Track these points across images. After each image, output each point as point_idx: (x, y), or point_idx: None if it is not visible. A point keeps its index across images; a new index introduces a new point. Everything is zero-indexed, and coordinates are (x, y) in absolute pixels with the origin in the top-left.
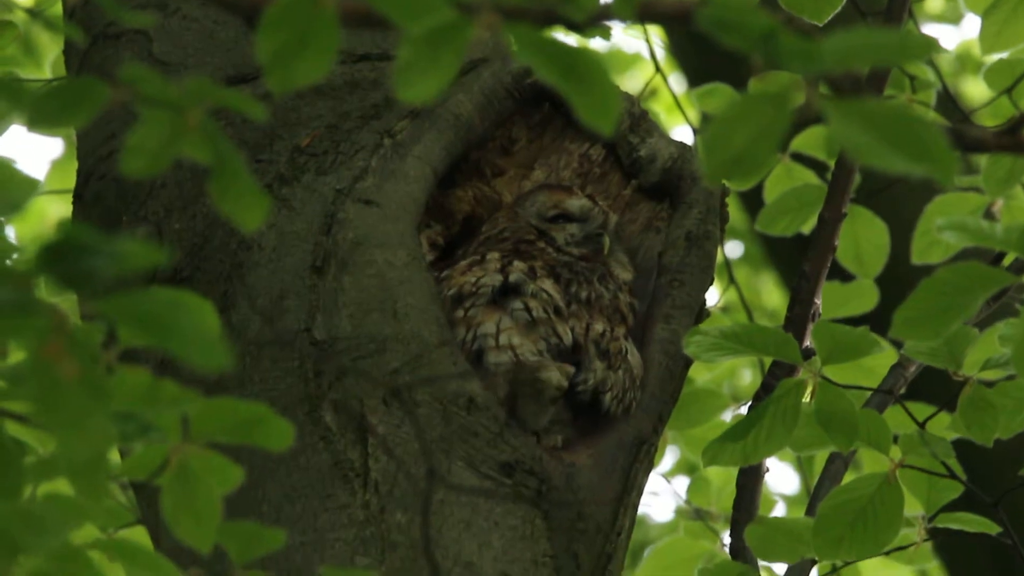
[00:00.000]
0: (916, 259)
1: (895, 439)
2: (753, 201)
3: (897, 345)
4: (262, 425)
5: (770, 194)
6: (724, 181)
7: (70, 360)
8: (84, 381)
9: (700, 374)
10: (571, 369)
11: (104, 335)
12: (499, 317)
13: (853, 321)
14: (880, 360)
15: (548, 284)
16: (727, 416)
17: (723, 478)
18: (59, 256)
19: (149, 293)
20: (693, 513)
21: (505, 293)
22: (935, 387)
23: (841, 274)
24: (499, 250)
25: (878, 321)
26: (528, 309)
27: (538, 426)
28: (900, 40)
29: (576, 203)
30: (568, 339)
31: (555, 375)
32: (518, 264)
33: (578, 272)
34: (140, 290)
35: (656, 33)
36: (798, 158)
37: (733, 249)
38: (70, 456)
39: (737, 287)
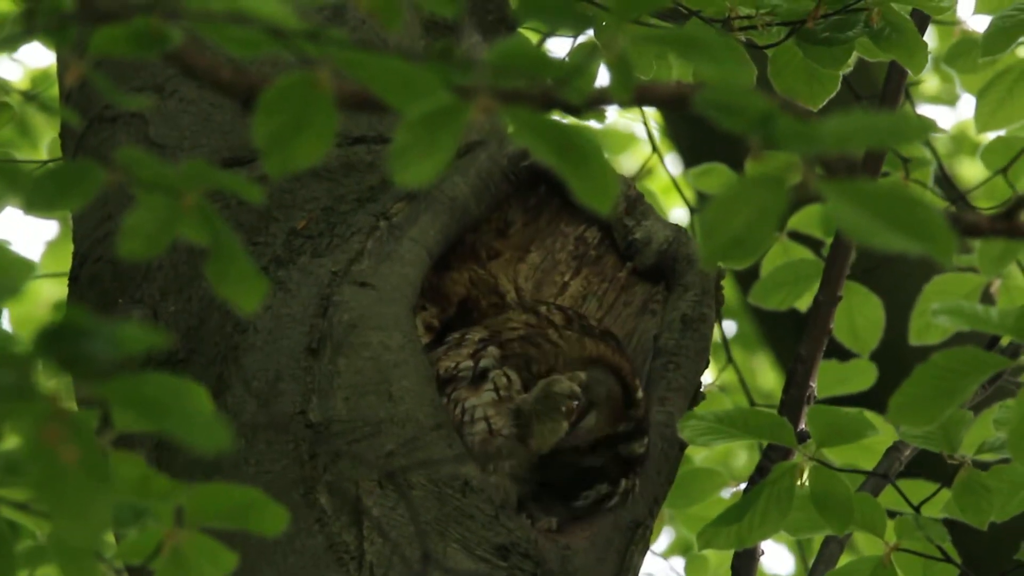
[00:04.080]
0: (914, 340)
1: (891, 516)
2: (748, 280)
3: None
4: (256, 510)
5: (766, 273)
6: (721, 264)
7: (71, 445)
8: (85, 465)
9: (698, 452)
10: (582, 376)
11: (98, 421)
12: (478, 395)
13: (850, 399)
14: (877, 440)
15: (513, 375)
16: (726, 494)
17: (721, 556)
18: (56, 340)
19: (145, 376)
20: None
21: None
22: (934, 464)
23: (838, 352)
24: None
25: (876, 398)
26: (496, 389)
27: (552, 445)
28: (897, 122)
29: (565, 386)
30: None
31: (565, 384)
32: (492, 350)
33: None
34: (136, 373)
35: (652, 114)
36: (795, 236)
37: (729, 328)
38: (66, 541)
39: (736, 367)
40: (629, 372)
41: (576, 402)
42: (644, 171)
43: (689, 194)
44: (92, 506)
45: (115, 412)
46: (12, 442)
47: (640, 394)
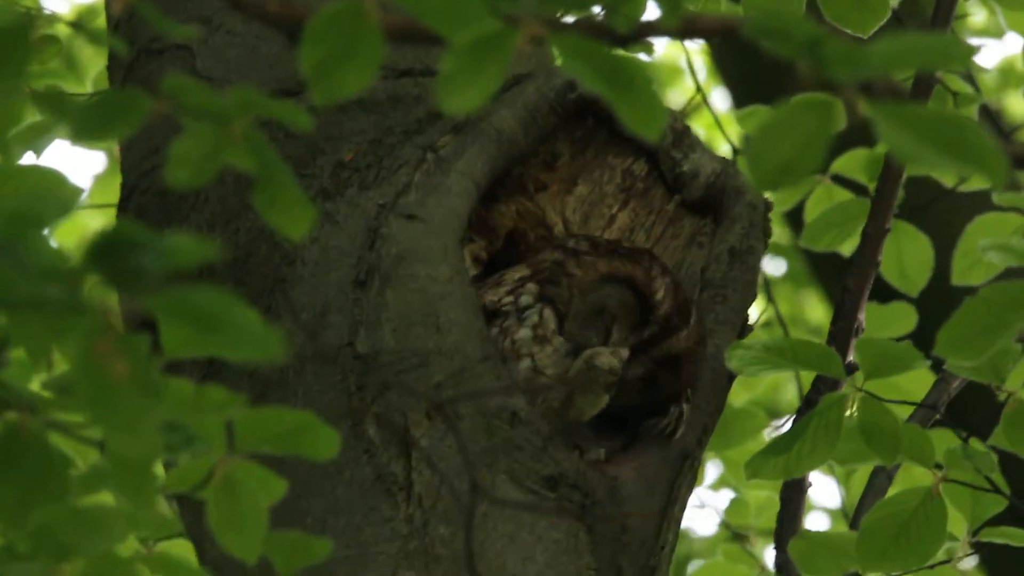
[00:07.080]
0: (957, 280)
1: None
2: (797, 219)
3: (936, 365)
4: (308, 433)
5: (811, 215)
6: (769, 193)
7: (121, 359)
8: (136, 379)
9: (738, 396)
10: (624, 353)
11: (148, 347)
12: (521, 331)
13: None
14: (920, 377)
15: (548, 312)
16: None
17: (762, 499)
18: (107, 253)
19: (196, 290)
20: (732, 536)
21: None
22: (977, 405)
23: (881, 294)
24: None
25: (918, 338)
26: (533, 327)
27: (594, 413)
28: (945, 44)
29: (606, 360)
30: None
31: (607, 359)
32: (530, 287)
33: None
34: (186, 287)
35: (698, 52)
36: (838, 180)
37: (777, 267)
38: (121, 460)
39: (775, 305)
40: (643, 279)
41: (616, 377)
42: (690, 107)
43: (734, 132)
44: (143, 420)
45: (164, 330)
46: (63, 367)
47: (660, 295)
